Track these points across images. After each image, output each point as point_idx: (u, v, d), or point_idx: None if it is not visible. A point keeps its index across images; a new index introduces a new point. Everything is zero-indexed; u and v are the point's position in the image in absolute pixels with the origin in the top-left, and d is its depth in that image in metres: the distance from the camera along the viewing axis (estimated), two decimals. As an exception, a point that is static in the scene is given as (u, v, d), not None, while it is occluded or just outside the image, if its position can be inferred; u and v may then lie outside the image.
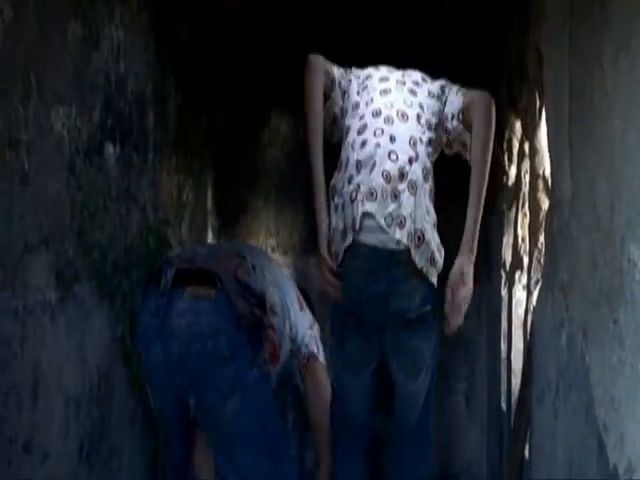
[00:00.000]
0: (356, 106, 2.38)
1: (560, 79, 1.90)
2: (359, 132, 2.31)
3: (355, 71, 2.47)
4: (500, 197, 2.94)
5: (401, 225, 2.20)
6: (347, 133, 2.34)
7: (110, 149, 2.29)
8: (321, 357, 2.58)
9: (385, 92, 2.39)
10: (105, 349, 2.28)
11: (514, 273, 2.68)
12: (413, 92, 2.42)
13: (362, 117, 2.34)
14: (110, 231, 2.31)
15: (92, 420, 2.17)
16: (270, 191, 3.58)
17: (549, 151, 2.06)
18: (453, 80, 2.72)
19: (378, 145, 2.25)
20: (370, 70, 2.48)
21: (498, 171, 3.00)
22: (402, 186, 2.21)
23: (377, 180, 2.21)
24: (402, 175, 2.22)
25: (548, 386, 1.85)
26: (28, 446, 1.82)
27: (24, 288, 1.80)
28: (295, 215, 3.57)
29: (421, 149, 2.28)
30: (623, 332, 1.31)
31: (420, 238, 2.20)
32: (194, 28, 3.06)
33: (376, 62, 2.60)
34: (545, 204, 2.25)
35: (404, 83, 2.44)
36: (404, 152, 2.25)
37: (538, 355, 2.04)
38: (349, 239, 2.23)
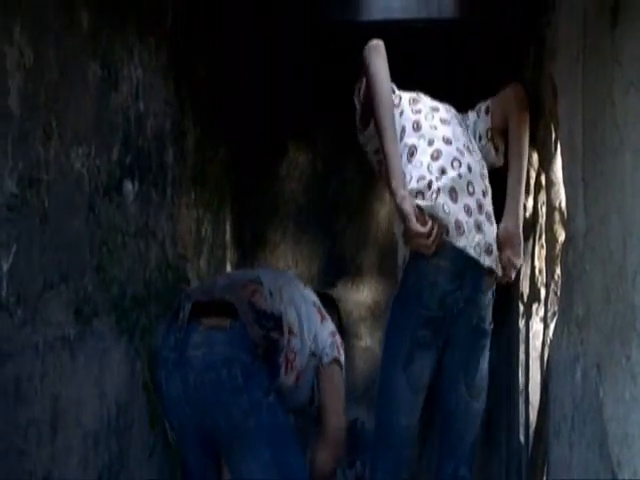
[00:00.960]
0: (417, 127, 2.42)
1: (574, 113, 1.91)
2: (433, 157, 2.35)
3: (398, 90, 2.51)
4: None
5: (488, 252, 2.35)
6: (412, 153, 2.37)
7: (129, 186, 2.33)
8: (342, 362, 2.61)
9: (445, 122, 2.47)
10: (124, 383, 2.30)
11: (531, 305, 2.67)
12: (460, 124, 2.52)
13: (432, 142, 2.38)
14: (129, 266, 2.34)
15: (110, 453, 2.19)
16: (288, 223, 3.60)
17: (564, 184, 2.07)
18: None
19: (460, 176, 2.33)
20: (412, 94, 2.54)
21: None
22: (482, 218, 2.35)
23: (461, 214, 2.30)
24: (480, 207, 2.36)
25: (564, 419, 1.84)
26: (47, 479, 1.84)
27: (44, 324, 1.84)
28: (313, 247, 3.58)
29: (487, 183, 2.45)
30: (635, 368, 1.31)
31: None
32: (210, 63, 3.11)
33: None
34: (561, 236, 2.25)
35: (453, 114, 2.54)
36: (479, 185, 2.39)
37: (554, 388, 2.03)
38: (463, 241, 2.28)
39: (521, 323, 2.80)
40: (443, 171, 2.32)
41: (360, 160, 2.81)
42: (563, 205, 2.22)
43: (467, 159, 2.40)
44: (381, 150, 2.33)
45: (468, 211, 2.31)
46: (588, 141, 1.77)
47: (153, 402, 2.49)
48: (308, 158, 3.66)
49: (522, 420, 2.76)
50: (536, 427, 2.41)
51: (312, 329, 2.53)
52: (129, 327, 2.33)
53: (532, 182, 2.76)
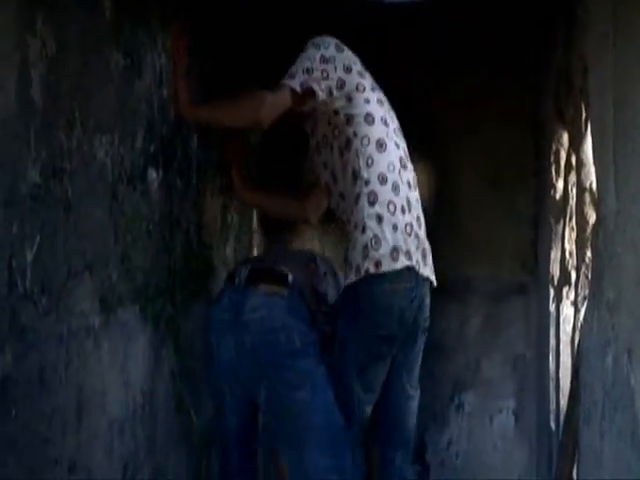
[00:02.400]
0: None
1: (604, 92, 1.86)
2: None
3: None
4: (548, 210, 2.89)
5: (425, 260, 2.39)
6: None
7: (153, 174, 2.32)
8: None
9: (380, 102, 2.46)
10: (149, 372, 2.30)
11: (562, 289, 2.63)
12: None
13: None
14: (153, 255, 2.33)
15: (136, 441, 2.20)
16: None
17: (594, 164, 2.02)
18: (499, 92, 2.69)
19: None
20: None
21: (547, 184, 2.95)
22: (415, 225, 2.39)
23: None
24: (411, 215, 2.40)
25: (594, 406, 1.80)
26: (73, 467, 1.84)
27: (68, 313, 1.84)
28: (341, 234, 3.56)
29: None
30: (668, 354, 1.27)
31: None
32: (235, 48, 3.09)
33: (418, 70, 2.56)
34: (592, 218, 2.21)
35: None
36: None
37: (585, 374, 1.99)
38: (402, 263, 2.28)
39: (552, 307, 2.76)
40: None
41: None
42: (594, 186, 2.17)
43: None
44: None
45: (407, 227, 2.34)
46: (619, 120, 1.72)
47: (179, 390, 2.49)
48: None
49: (553, 406, 2.73)
50: (566, 413, 2.38)
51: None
52: (154, 315, 2.33)
53: (562, 163, 2.72)
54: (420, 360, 2.48)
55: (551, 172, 2.90)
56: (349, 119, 2.38)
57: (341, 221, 2.52)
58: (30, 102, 1.64)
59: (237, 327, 2.32)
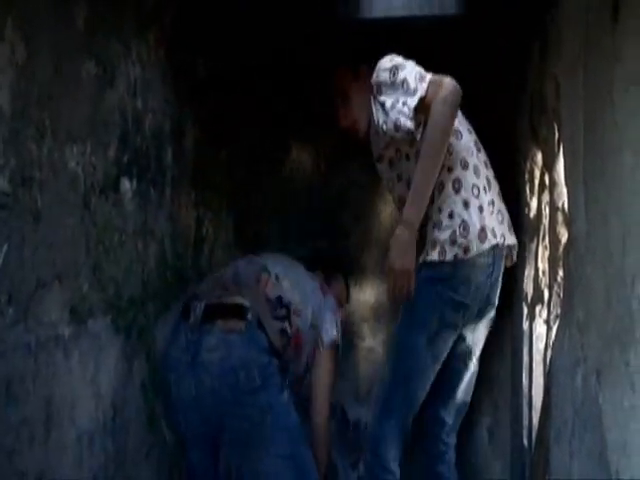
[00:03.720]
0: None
1: (576, 112, 1.87)
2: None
3: None
4: (522, 229, 2.90)
5: (510, 229, 2.51)
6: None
7: (127, 185, 2.30)
8: (339, 343, 2.61)
9: None
10: (120, 383, 2.28)
11: (535, 307, 2.64)
12: None
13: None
14: (126, 266, 2.31)
15: (106, 453, 2.17)
16: (291, 224, 3.57)
17: (566, 184, 2.03)
18: (476, 108, 2.70)
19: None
20: None
21: (520, 202, 2.96)
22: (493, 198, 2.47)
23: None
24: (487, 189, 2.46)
25: (565, 425, 1.80)
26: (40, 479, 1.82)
27: (37, 323, 1.82)
28: (316, 247, 3.55)
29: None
30: (634, 376, 1.27)
31: None
32: (211, 61, 3.08)
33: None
34: (564, 237, 2.22)
35: None
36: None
37: (556, 393, 1.99)
38: (489, 242, 2.37)
39: (525, 325, 2.77)
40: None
41: (364, 161, 2.78)
42: (566, 206, 2.19)
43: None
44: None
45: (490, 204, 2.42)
46: (589, 141, 1.73)
47: (150, 402, 2.47)
48: (311, 158, 3.63)
49: (525, 422, 2.73)
50: (538, 431, 2.38)
51: (315, 306, 2.54)
52: (126, 327, 2.31)
53: (536, 182, 2.73)
54: (484, 336, 2.55)
55: (525, 191, 2.91)
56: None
57: (398, 203, 2.56)
58: (-2, 109, 1.63)
59: (195, 367, 2.29)
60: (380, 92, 2.39)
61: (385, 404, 2.45)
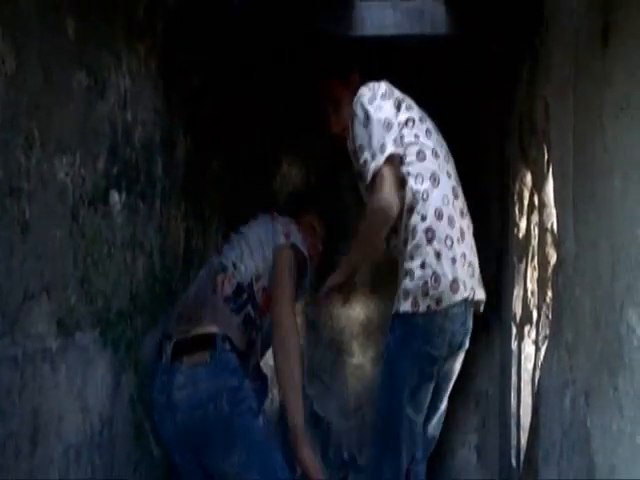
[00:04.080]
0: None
1: (565, 134, 1.88)
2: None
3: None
4: (511, 249, 2.90)
5: (479, 283, 2.51)
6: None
7: (115, 197, 2.28)
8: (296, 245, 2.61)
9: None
10: (108, 397, 2.26)
11: (524, 327, 2.64)
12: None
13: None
14: (115, 278, 2.29)
15: (94, 467, 2.15)
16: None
17: (555, 207, 2.04)
18: (464, 129, 2.72)
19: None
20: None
21: (511, 222, 2.97)
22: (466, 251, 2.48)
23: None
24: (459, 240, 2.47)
25: (553, 447, 1.80)
26: (25, 494, 1.79)
27: (24, 336, 1.79)
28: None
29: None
30: (622, 400, 1.27)
31: None
32: (203, 74, 3.07)
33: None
34: (553, 258, 2.22)
35: None
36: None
37: (544, 414, 1.99)
38: (461, 294, 2.37)
39: (513, 345, 2.77)
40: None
41: (354, 175, 2.78)
42: (555, 227, 2.19)
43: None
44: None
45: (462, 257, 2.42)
46: (579, 163, 1.74)
47: (138, 416, 2.44)
48: (301, 172, 3.63)
49: (514, 442, 2.73)
50: (526, 452, 2.38)
51: (267, 247, 2.58)
52: (114, 340, 2.29)
53: (525, 202, 2.74)
54: (455, 376, 2.58)
55: (515, 211, 2.92)
56: (402, 159, 2.44)
57: (394, 251, 2.56)
58: (-13, 119, 1.62)
59: (169, 408, 2.35)
60: (353, 121, 2.48)
61: (376, 463, 2.47)
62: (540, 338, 2.36)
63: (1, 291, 1.70)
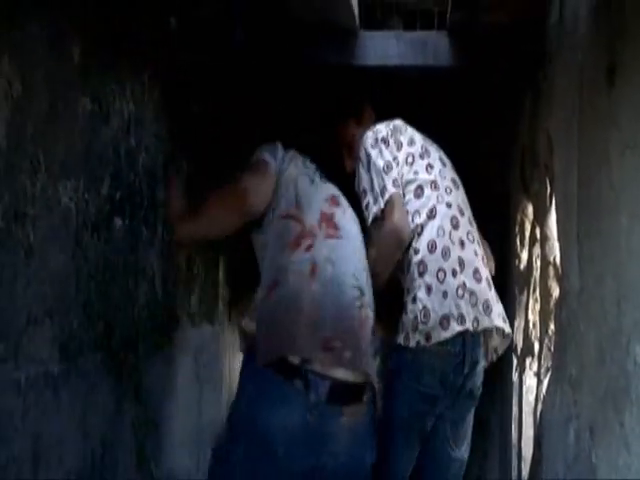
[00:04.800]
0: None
1: (569, 169, 1.89)
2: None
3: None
4: (512, 280, 2.91)
5: (487, 311, 2.39)
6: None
7: (119, 222, 2.29)
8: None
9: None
10: (109, 423, 2.24)
11: (525, 359, 2.64)
12: None
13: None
14: (117, 303, 2.29)
15: (94, 494, 2.13)
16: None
17: (558, 240, 2.05)
18: (465, 160, 2.74)
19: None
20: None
21: (511, 253, 2.98)
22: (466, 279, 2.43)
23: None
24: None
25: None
26: (26, 520, 1.78)
27: (27, 360, 1.79)
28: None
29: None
30: (629, 436, 1.27)
31: None
32: (205, 101, 3.09)
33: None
34: (555, 291, 2.22)
35: None
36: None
37: (547, 447, 1.98)
38: (452, 330, 2.30)
39: (514, 376, 2.76)
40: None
41: (353, 202, 2.80)
42: (557, 260, 2.20)
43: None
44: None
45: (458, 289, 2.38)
46: (583, 199, 1.75)
47: (140, 442, 2.43)
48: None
49: (515, 474, 2.71)
50: (528, 485, 2.37)
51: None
52: (116, 366, 2.28)
53: (527, 234, 2.75)
54: (470, 427, 2.49)
55: (516, 242, 2.93)
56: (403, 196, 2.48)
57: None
58: (-6, 144, 1.62)
59: (316, 449, 2.12)
60: (357, 165, 2.54)
61: None
62: (542, 370, 2.36)
63: (4, 315, 1.69)
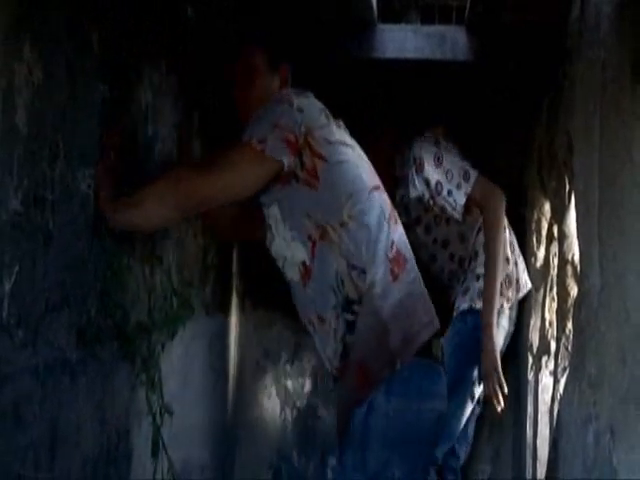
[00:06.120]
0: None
1: (590, 168, 1.88)
2: None
3: None
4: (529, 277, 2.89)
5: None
6: None
7: (135, 211, 2.28)
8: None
9: None
10: (125, 411, 2.25)
11: (541, 358, 2.63)
12: None
13: None
14: (134, 292, 2.30)
15: (110, 480, 2.14)
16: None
17: (578, 239, 2.03)
18: (481, 156, 2.74)
19: None
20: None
21: (528, 251, 2.97)
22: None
23: None
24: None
25: (572, 482, 1.78)
26: (45, 505, 1.79)
27: (45, 347, 1.79)
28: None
29: None
30: (652, 438, 1.26)
31: None
32: (223, 89, 3.09)
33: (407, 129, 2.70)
34: (573, 290, 2.21)
35: None
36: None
37: (564, 448, 1.97)
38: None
39: (530, 375, 2.75)
40: None
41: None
42: (576, 259, 2.19)
43: None
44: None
45: None
46: (605, 198, 1.74)
47: (155, 430, 2.43)
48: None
49: (529, 474, 2.70)
50: (544, 486, 2.35)
51: None
52: (132, 353, 2.29)
53: (544, 232, 2.74)
54: None
55: (532, 240, 2.91)
56: None
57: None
58: (15, 129, 1.61)
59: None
60: (422, 169, 2.62)
61: None
62: (559, 370, 2.35)
63: (24, 302, 1.70)
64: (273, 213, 2.05)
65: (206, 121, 2.93)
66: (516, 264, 2.66)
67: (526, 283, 2.72)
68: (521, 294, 2.67)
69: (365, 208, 1.94)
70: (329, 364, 2.04)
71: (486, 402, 2.67)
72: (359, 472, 1.92)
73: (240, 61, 2.31)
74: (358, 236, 1.92)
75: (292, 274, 2.05)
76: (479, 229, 2.76)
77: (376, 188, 2.02)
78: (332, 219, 1.93)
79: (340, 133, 2.10)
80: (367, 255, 1.91)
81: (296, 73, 3.33)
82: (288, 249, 2.03)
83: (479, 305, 2.61)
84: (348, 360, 1.94)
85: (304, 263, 1.98)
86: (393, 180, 2.80)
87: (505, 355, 2.51)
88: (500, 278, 2.60)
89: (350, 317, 1.92)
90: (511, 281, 2.68)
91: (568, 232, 2.35)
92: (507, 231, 2.66)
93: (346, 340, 1.94)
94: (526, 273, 2.75)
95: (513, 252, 2.66)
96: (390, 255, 1.93)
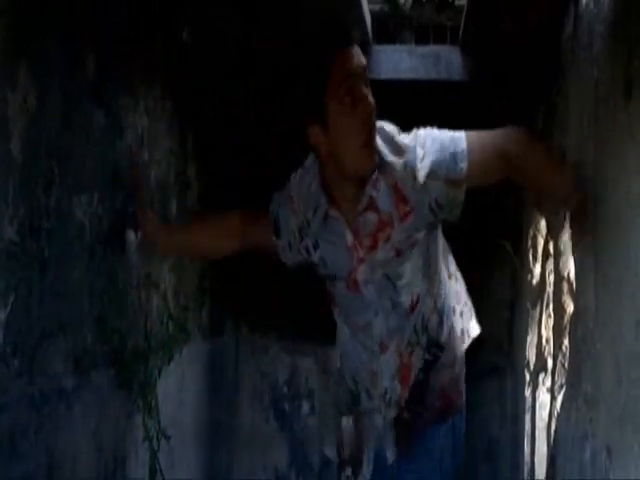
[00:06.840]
0: None
1: (584, 185, 1.88)
2: None
3: None
4: (525, 295, 2.89)
5: None
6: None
7: (131, 236, 2.29)
8: None
9: None
10: (121, 437, 2.24)
11: (538, 374, 2.62)
12: None
13: None
14: (130, 317, 2.30)
15: (107, 508, 2.13)
16: (290, 278, 3.56)
17: (573, 256, 2.03)
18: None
19: None
20: None
21: (524, 267, 2.97)
22: None
23: None
24: None
25: (571, 501, 1.77)
26: (41, 535, 1.77)
27: (41, 375, 1.79)
28: (315, 298, 3.54)
29: None
30: (648, 458, 1.26)
31: None
32: (216, 114, 3.10)
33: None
34: (570, 307, 2.20)
35: None
36: None
37: (562, 465, 1.97)
38: None
39: (527, 392, 2.74)
40: None
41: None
42: (572, 275, 2.18)
43: None
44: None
45: None
46: (600, 215, 1.74)
47: (152, 456, 2.42)
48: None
49: (526, 491, 2.69)
50: (541, 503, 2.34)
51: None
52: (128, 380, 2.28)
53: (540, 249, 2.74)
54: None
55: (528, 257, 2.92)
56: None
57: None
58: (9, 157, 1.62)
59: None
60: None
61: None
62: (556, 387, 2.34)
63: (19, 330, 1.70)
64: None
65: (202, 145, 2.94)
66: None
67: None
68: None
69: None
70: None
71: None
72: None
73: None
74: None
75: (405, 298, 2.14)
76: None
77: None
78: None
79: None
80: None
81: (288, 93, 3.36)
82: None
83: None
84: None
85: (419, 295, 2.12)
86: None
87: (500, 373, 2.48)
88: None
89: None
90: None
91: (564, 248, 2.34)
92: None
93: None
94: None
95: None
96: None
